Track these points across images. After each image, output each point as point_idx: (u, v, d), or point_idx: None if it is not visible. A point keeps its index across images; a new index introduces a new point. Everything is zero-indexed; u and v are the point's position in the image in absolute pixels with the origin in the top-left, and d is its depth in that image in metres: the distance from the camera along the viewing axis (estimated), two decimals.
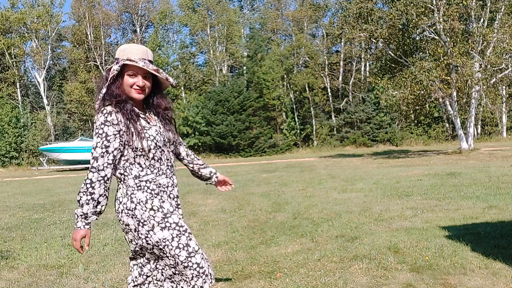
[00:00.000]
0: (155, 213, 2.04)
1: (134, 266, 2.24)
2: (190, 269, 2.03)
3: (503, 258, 3.43)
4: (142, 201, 2.04)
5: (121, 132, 2.02)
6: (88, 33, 35.67)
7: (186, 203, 7.82)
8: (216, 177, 2.53)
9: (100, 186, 1.97)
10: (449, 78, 18.76)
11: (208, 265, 2.09)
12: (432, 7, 18.59)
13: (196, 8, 37.85)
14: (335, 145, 34.24)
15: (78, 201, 1.99)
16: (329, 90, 37.26)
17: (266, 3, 41.37)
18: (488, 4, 19.11)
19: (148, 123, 2.14)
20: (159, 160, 2.12)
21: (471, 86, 18.99)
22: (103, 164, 1.98)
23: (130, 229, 2.06)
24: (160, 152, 2.13)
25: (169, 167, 2.18)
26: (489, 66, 18.60)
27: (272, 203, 7.20)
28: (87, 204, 1.97)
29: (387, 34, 20.06)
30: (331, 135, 36.05)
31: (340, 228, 4.91)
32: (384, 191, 7.80)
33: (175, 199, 2.19)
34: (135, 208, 2.04)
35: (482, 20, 19.26)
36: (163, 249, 2.03)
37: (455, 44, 18.81)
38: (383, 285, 3.07)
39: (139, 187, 2.07)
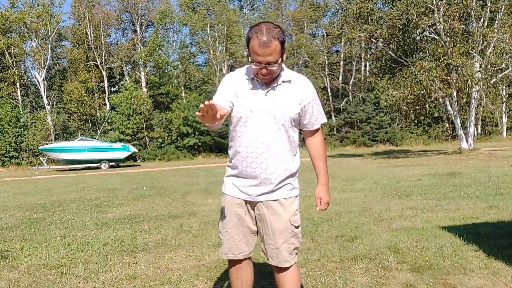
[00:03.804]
0: None
1: None
2: None
3: (503, 258, 3.43)
4: None
5: None
6: (88, 32, 35.66)
7: (186, 203, 7.82)
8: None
9: None
10: (449, 78, 18.75)
11: None
12: (433, 7, 18.58)
13: (196, 8, 37.85)
14: (335, 145, 34.24)
15: None
16: (329, 90, 37.27)
17: (266, 3, 41.43)
18: (488, 4, 19.11)
19: None
20: None
21: (471, 86, 18.99)
22: None
23: None
24: None
25: None
26: (489, 66, 18.60)
27: None
28: None
29: (387, 34, 20.06)
30: (331, 135, 36.05)
31: (340, 228, 4.91)
32: (384, 191, 7.80)
33: None
34: None
35: (482, 20, 19.25)
36: None
37: (455, 44, 18.81)
38: (383, 285, 3.07)
39: None
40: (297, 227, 2.24)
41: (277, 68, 2.06)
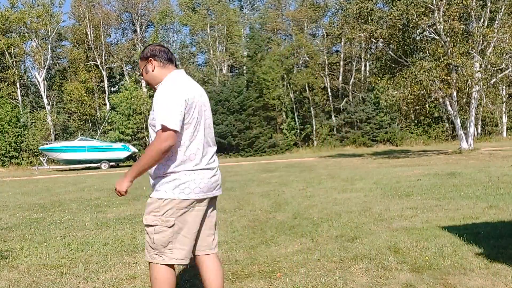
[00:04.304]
0: None
1: None
2: None
3: (503, 258, 3.43)
4: None
5: None
6: (88, 32, 35.65)
7: None
8: None
9: None
10: (449, 78, 18.74)
11: None
12: (433, 7, 18.57)
13: (196, 8, 37.85)
14: (335, 145, 34.22)
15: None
16: (329, 90, 37.24)
17: (266, 3, 41.40)
18: (488, 4, 19.10)
19: None
20: None
21: (471, 86, 18.98)
22: None
23: None
24: None
25: None
26: (489, 66, 18.59)
27: (272, 203, 7.20)
28: None
29: (387, 34, 20.04)
30: (331, 135, 36.03)
31: (340, 228, 4.91)
32: (384, 191, 7.80)
33: None
34: None
35: (482, 20, 19.25)
36: None
37: (455, 44, 18.79)
38: (383, 285, 3.07)
39: None
40: (146, 226, 2.32)
41: (144, 78, 2.49)
